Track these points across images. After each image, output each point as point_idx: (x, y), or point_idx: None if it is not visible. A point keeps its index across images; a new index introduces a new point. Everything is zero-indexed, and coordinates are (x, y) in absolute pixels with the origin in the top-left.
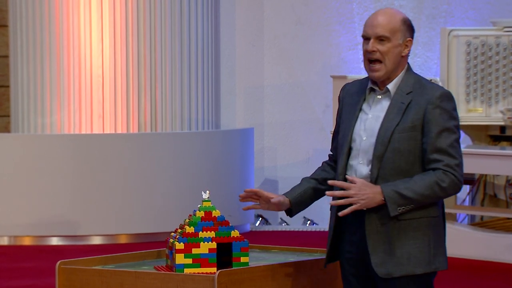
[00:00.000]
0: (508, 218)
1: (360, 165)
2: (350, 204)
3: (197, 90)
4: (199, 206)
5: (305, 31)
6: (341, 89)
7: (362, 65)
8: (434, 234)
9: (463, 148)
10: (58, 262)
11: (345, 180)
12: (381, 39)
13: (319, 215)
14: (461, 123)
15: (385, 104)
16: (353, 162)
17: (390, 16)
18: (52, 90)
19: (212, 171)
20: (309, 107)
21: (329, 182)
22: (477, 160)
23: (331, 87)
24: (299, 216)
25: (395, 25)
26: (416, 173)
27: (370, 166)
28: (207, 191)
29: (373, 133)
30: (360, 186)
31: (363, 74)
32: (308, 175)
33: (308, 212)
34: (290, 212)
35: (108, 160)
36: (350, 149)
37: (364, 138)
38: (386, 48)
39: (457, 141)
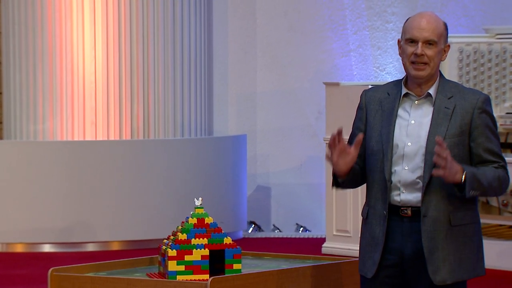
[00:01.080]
0: (501, 225)
1: (404, 171)
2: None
3: (190, 96)
4: (191, 213)
5: (298, 38)
6: (362, 95)
7: (354, 72)
8: (478, 240)
9: None
10: (51, 269)
11: (390, 189)
12: (429, 43)
13: (311, 222)
14: None
15: (426, 109)
16: (396, 168)
17: (436, 21)
18: (45, 96)
19: (204, 177)
20: (302, 113)
21: (437, 139)
22: None
23: (324, 93)
24: (292, 222)
25: (440, 30)
26: None
27: (417, 172)
28: (200, 198)
29: (419, 139)
30: (449, 157)
31: (355, 81)
32: (301, 181)
33: (300, 218)
34: (338, 184)
35: (101, 166)
36: (392, 154)
37: (409, 144)
38: (433, 52)
39: (500, 144)
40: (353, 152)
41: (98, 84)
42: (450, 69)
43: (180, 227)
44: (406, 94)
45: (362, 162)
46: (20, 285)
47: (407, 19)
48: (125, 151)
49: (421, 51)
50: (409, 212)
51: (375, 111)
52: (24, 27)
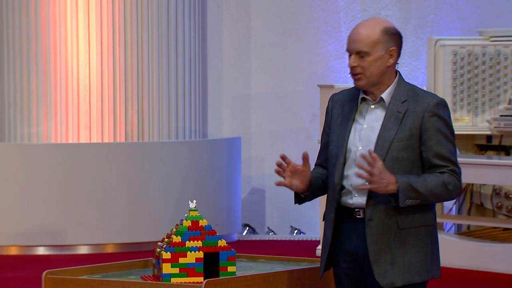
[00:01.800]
0: (495, 227)
1: (354, 175)
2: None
3: (184, 99)
4: (186, 215)
5: (292, 40)
6: (329, 99)
7: (349, 74)
8: (431, 242)
9: None
10: (45, 272)
11: (342, 189)
12: (361, 55)
13: (306, 224)
14: None
15: (379, 113)
16: (348, 172)
17: (369, 29)
18: (39, 99)
19: (199, 180)
20: (296, 116)
21: (361, 154)
22: (464, 169)
23: (318, 96)
24: (286, 225)
25: (374, 37)
26: None
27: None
28: (194, 201)
29: (369, 143)
30: (382, 170)
31: (351, 83)
32: None
33: (295, 221)
34: (301, 199)
35: (95, 169)
36: (345, 159)
37: (360, 148)
38: (367, 62)
39: (455, 148)
40: (304, 168)
41: (93, 87)
42: (444, 71)
43: (174, 229)
44: (363, 99)
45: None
46: None
47: None
48: (120, 153)
49: (352, 63)
50: (362, 214)
51: (337, 115)
52: (18, 31)
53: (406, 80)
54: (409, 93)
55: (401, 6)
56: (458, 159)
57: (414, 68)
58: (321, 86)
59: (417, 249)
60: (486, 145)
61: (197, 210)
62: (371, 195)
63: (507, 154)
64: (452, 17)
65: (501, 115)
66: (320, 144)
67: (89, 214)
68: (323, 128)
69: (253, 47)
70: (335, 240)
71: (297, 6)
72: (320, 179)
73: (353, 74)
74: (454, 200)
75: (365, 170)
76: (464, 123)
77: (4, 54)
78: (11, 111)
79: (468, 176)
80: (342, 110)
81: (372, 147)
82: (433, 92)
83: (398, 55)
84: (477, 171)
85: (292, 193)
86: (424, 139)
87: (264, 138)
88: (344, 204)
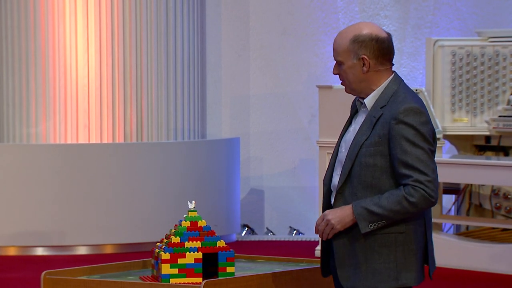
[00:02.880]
0: (494, 228)
1: (336, 176)
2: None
3: (183, 99)
4: (185, 216)
5: (291, 41)
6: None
7: None
8: (402, 250)
9: (448, 158)
10: (43, 273)
11: (328, 194)
12: (339, 63)
13: (305, 225)
14: (446, 133)
15: (362, 117)
16: (334, 173)
17: (340, 39)
18: (38, 100)
19: (198, 181)
20: (295, 117)
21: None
22: (463, 170)
23: (317, 97)
24: (285, 225)
25: (344, 47)
26: (383, 187)
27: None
28: (193, 201)
29: (347, 146)
30: (326, 213)
31: None
32: (294, 184)
33: (294, 222)
34: None
35: (94, 170)
36: (335, 159)
37: (343, 150)
38: (343, 70)
39: (427, 156)
40: None
41: (91, 87)
42: (443, 72)
43: (173, 230)
44: (359, 102)
45: None
46: None
47: None
48: (118, 154)
49: (333, 71)
50: None
51: (349, 116)
52: (17, 31)
53: (407, 81)
54: (391, 97)
55: (399, 6)
56: (457, 160)
57: (412, 69)
58: (319, 87)
59: (381, 256)
60: (485, 145)
61: (196, 211)
62: (337, 198)
63: (506, 154)
64: (450, 18)
65: (499, 116)
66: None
67: (88, 214)
68: None
69: (252, 47)
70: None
71: (296, 6)
72: None
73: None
74: (453, 200)
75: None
76: (463, 123)
77: (3, 54)
78: (10, 112)
79: (467, 176)
80: (351, 111)
81: (348, 150)
82: (431, 92)
83: (379, 60)
84: (476, 171)
85: (292, 194)
86: (391, 146)
87: (263, 139)
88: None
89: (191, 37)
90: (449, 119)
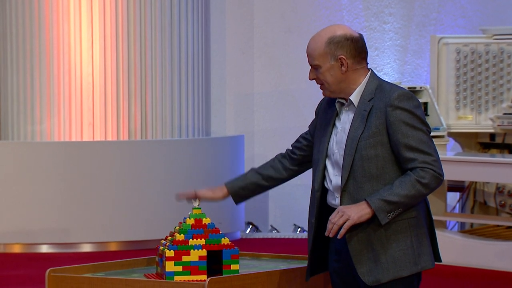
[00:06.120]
0: (498, 225)
1: (335, 177)
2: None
3: (187, 97)
4: (189, 213)
5: (295, 39)
6: (320, 102)
7: None
8: (416, 234)
9: (453, 156)
10: (48, 270)
11: (323, 193)
12: (314, 67)
13: None
14: (451, 131)
15: (350, 115)
16: (330, 175)
17: (314, 43)
18: (42, 97)
19: (202, 178)
20: (299, 114)
21: (326, 233)
22: (467, 167)
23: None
24: (289, 223)
25: (319, 50)
26: (388, 176)
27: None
28: (197, 199)
29: (342, 145)
30: (341, 208)
31: None
32: (299, 182)
33: (298, 219)
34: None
35: (98, 167)
36: (325, 163)
37: (336, 151)
38: (321, 74)
39: (427, 137)
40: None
41: (96, 85)
42: (447, 69)
43: (177, 227)
44: (340, 103)
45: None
46: (18, 286)
47: None
48: (123, 152)
49: (310, 77)
50: None
51: (321, 120)
52: (22, 28)
53: (409, 79)
54: (376, 90)
55: (404, 4)
56: (461, 157)
57: (417, 66)
58: None
59: (399, 243)
60: (489, 143)
61: (200, 208)
62: (343, 194)
63: (511, 152)
64: (455, 15)
65: (504, 113)
66: (301, 134)
67: (92, 212)
68: (309, 125)
69: (256, 45)
70: (327, 241)
71: (300, 4)
72: (252, 186)
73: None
74: (458, 198)
75: (332, 228)
76: (467, 121)
77: (7, 52)
78: (15, 109)
79: (472, 174)
80: (324, 115)
81: (343, 149)
82: (436, 90)
83: (356, 59)
84: (480, 169)
85: (296, 192)
86: (391, 133)
87: (267, 136)
88: (330, 205)
89: (195, 35)
90: (453, 117)
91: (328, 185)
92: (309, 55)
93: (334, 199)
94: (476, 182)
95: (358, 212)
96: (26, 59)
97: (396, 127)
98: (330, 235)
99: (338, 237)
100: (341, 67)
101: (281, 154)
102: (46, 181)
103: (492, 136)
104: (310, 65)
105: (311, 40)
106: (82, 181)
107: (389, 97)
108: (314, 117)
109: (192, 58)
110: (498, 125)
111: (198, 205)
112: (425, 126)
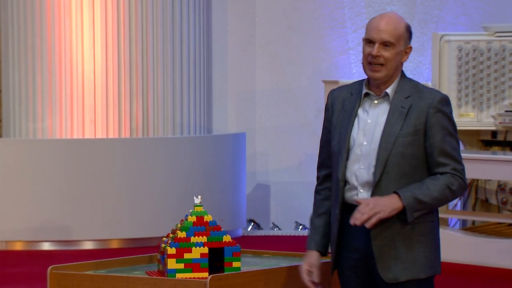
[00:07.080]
0: (500, 223)
1: (361, 170)
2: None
3: (189, 95)
4: (191, 211)
5: (297, 36)
6: (328, 95)
7: (353, 70)
8: (434, 238)
9: None
10: (50, 267)
11: (345, 185)
12: (386, 44)
13: None
14: None
15: (383, 108)
16: (353, 167)
17: (395, 22)
18: (44, 95)
19: (204, 176)
20: (301, 112)
21: (351, 221)
22: (469, 165)
23: (323, 92)
24: (291, 220)
25: (400, 31)
26: (419, 176)
27: (372, 171)
28: (199, 196)
29: (374, 138)
30: (372, 200)
31: (355, 79)
32: (300, 180)
33: (300, 217)
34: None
35: (100, 165)
36: (348, 154)
37: (365, 143)
38: (390, 54)
39: (458, 145)
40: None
41: (97, 82)
42: (449, 67)
43: (179, 225)
44: (366, 94)
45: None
46: (20, 283)
47: (371, 19)
48: (124, 149)
49: (377, 52)
50: None
51: (338, 111)
52: (23, 26)
53: (410, 76)
54: (412, 89)
55: (406, 1)
56: (463, 155)
57: (419, 64)
58: (325, 82)
59: (421, 245)
60: (491, 140)
61: (202, 206)
62: (376, 190)
63: None
64: (456, 13)
65: (506, 111)
66: (320, 142)
67: (94, 209)
68: (323, 125)
69: (257, 43)
70: (341, 237)
71: (302, 1)
72: (327, 229)
73: (374, 64)
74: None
75: (360, 217)
76: (469, 118)
77: (9, 49)
78: (16, 107)
79: (473, 171)
80: (343, 105)
81: (376, 142)
82: (437, 87)
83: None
84: (482, 166)
85: (298, 189)
86: (429, 135)
87: (269, 134)
88: (349, 201)
89: (197, 32)
90: (455, 114)
91: (349, 177)
92: (385, 31)
93: (356, 194)
94: (477, 180)
95: (390, 206)
96: (28, 56)
97: (436, 130)
98: (357, 223)
99: (368, 226)
100: (404, 56)
101: (317, 184)
102: (48, 178)
103: (493, 133)
104: (381, 41)
105: (388, 18)
106: (84, 179)
107: (432, 98)
108: (324, 113)
109: (194, 55)
110: (500, 123)
111: (200, 202)
112: (457, 133)
